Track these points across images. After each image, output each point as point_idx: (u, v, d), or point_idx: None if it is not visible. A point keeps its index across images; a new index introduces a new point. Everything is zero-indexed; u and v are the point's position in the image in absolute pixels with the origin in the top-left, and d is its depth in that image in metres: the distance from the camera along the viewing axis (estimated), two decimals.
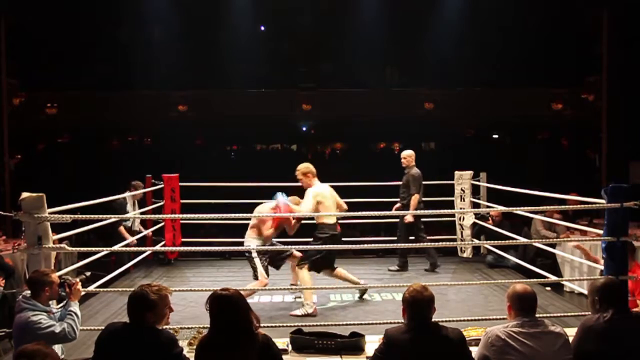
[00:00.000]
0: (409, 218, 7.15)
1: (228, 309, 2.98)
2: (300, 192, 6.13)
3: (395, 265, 7.57)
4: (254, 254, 5.84)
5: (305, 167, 5.96)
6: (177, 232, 8.02)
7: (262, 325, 3.12)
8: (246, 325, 2.96)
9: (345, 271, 6.10)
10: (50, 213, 4.34)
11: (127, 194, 7.77)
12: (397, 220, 7.59)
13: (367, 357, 3.73)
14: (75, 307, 3.76)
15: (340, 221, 8.10)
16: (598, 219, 7.40)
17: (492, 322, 3.95)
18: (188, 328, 4.41)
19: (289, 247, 6.10)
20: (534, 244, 7.54)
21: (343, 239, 8.19)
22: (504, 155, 15.30)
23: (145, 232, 7.67)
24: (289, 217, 5.93)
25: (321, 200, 5.78)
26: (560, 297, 6.41)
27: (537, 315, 3.22)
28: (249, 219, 5.97)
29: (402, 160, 7.55)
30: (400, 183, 7.61)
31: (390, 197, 7.91)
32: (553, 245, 7.05)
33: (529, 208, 6.46)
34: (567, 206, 6.66)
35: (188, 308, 5.80)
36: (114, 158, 15.40)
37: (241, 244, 7.76)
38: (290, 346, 3.98)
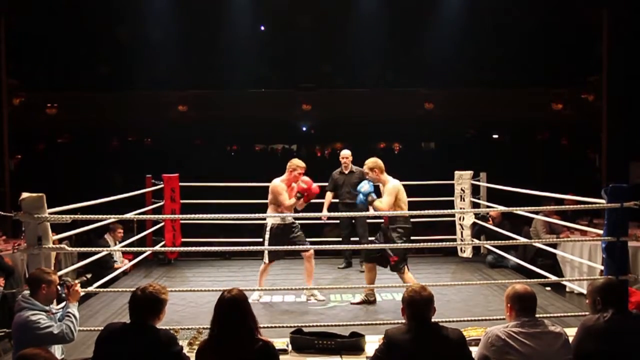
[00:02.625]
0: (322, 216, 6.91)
1: (230, 311, 3.02)
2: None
3: (344, 263, 7.70)
4: (267, 230, 5.98)
5: (372, 161, 5.82)
6: (177, 232, 8.02)
7: (262, 325, 3.14)
8: (245, 329, 2.99)
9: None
10: (50, 213, 4.33)
11: (106, 236, 7.86)
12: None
13: (367, 357, 3.73)
14: (73, 308, 3.75)
15: (334, 221, 8.06)
16: (598, 219, 7.40)
17: (492, 322, 3.95)
18: (188, 328, 4.41)
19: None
20: (534, 244, 7.54)
21: (338, 238, 8.23)
22: (504, 155, 15.29)
23: (128, 265, 7.63)
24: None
25: (400, 196, 5.68)
26: (561, 297, 6.40)
27: (537, 315, 3.23)
28: (249, 219, 5.98)
29: (344, 160, 7.41)
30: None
31: None
32: (553, 245, 7.05)
33: (529, 208, 6.46)
34: (567, 206, 6.66)
35: (188, 308, 5.81)
36: (114, 158, 15.40)
37: (241, 244, 7.80)
38: (290, 346, 3.98)
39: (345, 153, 7.55)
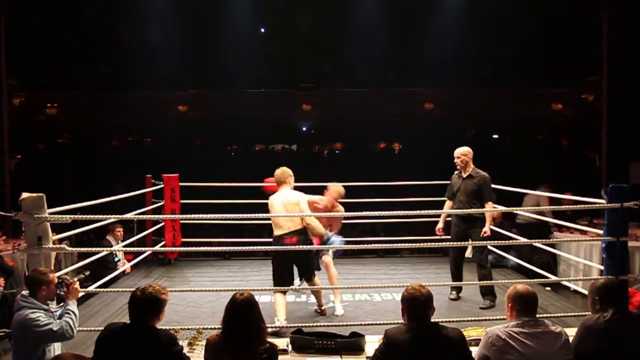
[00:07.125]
0: (487, 231, 5.92)
1: (242, 312, 3.08)
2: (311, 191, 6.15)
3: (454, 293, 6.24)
4: None
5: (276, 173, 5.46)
6: (177, 232, 8.02)
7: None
8: (255, 331, 3.04)
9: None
10: (50, 213, 4.33)
11: (109, 237, 7.95)
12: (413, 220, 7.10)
13: (367, 357, 3.74)
14: (73, 306, 3.76)
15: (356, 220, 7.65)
16: (598, 219, 7.40)
17: (492, 322, 3.95)
18: (188, 328, 4.41)
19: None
20: (534, 243, 7.53)
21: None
22: (504, 155, 15.29)
23: (127, 265, 7.66)
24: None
25: (269, 209, 5.31)
26: (561, 297, 6.40)
27: (537, 316, 3.23)
28: (249, 219, 5.97)
29: (457, 160, 6.04)
30: (402, 183, 7.30)
31: (389, 197, 7.89)
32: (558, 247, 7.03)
33: (529, 208, 6.45)
34: (567, 206, 6.66)
35: (188, 308, 5.81)
36: (114, 158, 15.41)
37: (241, 244, 7.79)
38: (290, 346, 3.98)
39: (460, 151, 6.01)
